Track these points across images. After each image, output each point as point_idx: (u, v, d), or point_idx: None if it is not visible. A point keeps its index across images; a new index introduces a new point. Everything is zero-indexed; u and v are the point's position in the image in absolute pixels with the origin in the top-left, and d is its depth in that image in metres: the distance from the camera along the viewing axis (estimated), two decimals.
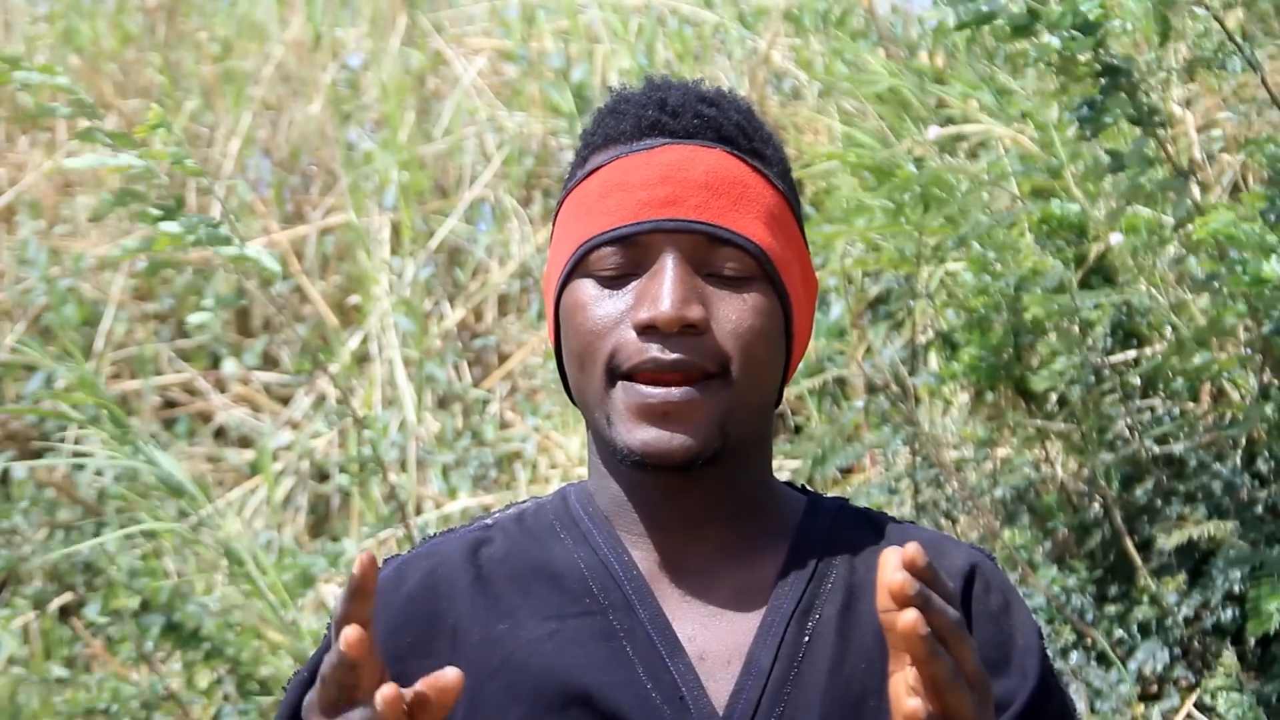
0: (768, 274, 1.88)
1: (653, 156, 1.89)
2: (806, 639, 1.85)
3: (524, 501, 2.00)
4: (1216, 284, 3.62)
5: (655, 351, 1.84)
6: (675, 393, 1.83)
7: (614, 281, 1.88)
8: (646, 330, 1.84)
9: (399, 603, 1.89)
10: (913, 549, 1.60)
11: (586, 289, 1.88)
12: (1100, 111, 3.54)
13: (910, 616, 1.58)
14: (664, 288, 1.84)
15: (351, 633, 1.61)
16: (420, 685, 1.64)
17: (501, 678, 1.84)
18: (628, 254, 1.87)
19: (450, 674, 1.63)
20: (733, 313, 1.86)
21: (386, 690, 1.61)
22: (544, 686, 1.83)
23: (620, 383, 1.85)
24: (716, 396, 1.85)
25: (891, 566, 1.60)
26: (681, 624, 1.87)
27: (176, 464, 4.31)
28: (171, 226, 3.58)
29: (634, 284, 1.87)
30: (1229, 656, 3.68)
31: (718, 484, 1.89)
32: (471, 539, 1.94)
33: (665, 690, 1.83)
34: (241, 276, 3.70)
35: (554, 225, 1.96)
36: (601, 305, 1.87)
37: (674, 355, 1.84)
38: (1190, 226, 3.55)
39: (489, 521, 1.97)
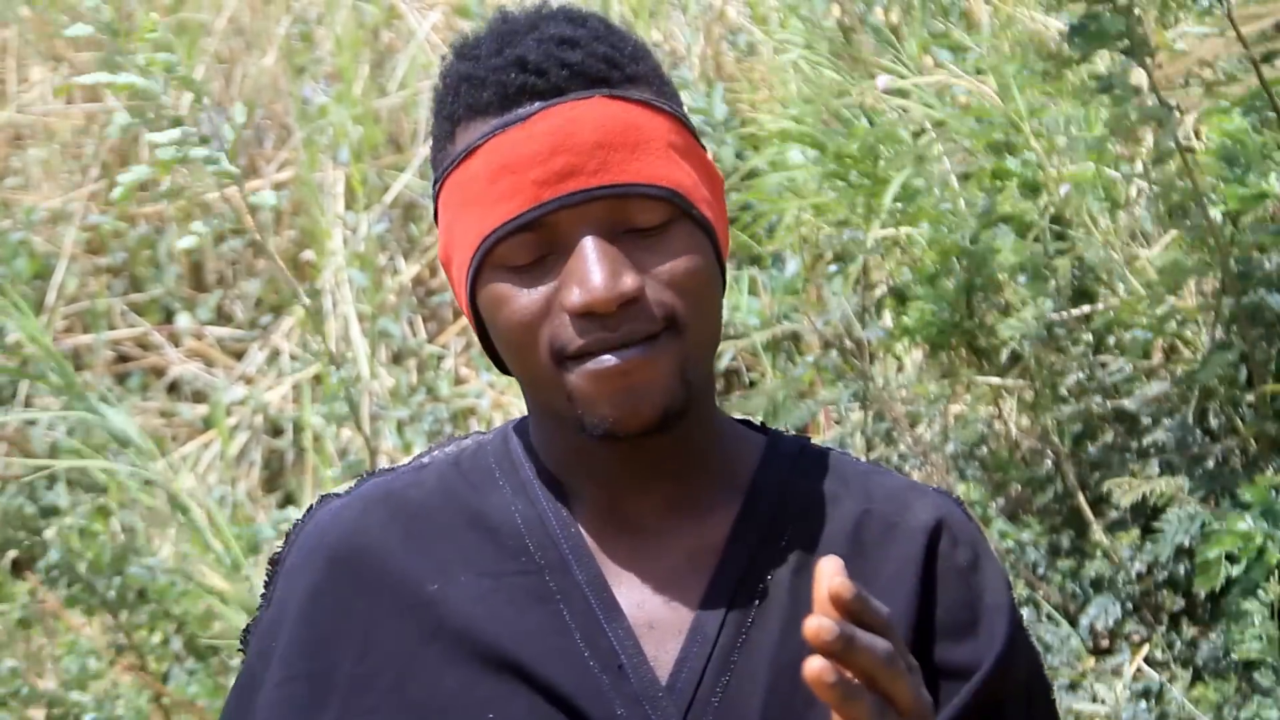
0: (684, 210, 1.74)
1: (532, 127, 1.71)
2: (756, 603, 1.74)
3: (464, 438, 1.88)
4: (1189, 221, 3.59)
5: (598, 332, 1.70)
6: (631, 353, 1.70)
7: (529, 269, 1.72)
8: (583, 316, 1.70)
9: (320, 563, 1.80)
10: (839, 583, 1.51)
11: (502, 285, 1.73)
12: (1097, 30, 3.43)
13: (814, 666, 1.49)
14: (589, 267, 1.69)
15: None
16: None
17: (439, 641, 1.75)
18: (536, 238, 1.71)
19: None
20: (664, 264, 1.72)
21: None
22: (478, 652, 1.73)
23: (569, 363, 1.71)
24: (670, 348, 1.71)
25: (818, 598, 1.50)
26: (627, 589, 1.75)
27: (127, 418, 4.29)
28: (169, 143, 3.58)
29: (551, 264, 1.71)
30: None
31: (674, 434, 1.75)
32: (407, 481, 1.83)
33: (603, 658, 1.73)
34: (237, 211, 3.70)
35: (437, 207, 1.78)
36: (525, 297, 1.72)
37: (619, 332, 1.70)
38: (1195, 145, 3.51)
39: (425, 461, 1.86)
